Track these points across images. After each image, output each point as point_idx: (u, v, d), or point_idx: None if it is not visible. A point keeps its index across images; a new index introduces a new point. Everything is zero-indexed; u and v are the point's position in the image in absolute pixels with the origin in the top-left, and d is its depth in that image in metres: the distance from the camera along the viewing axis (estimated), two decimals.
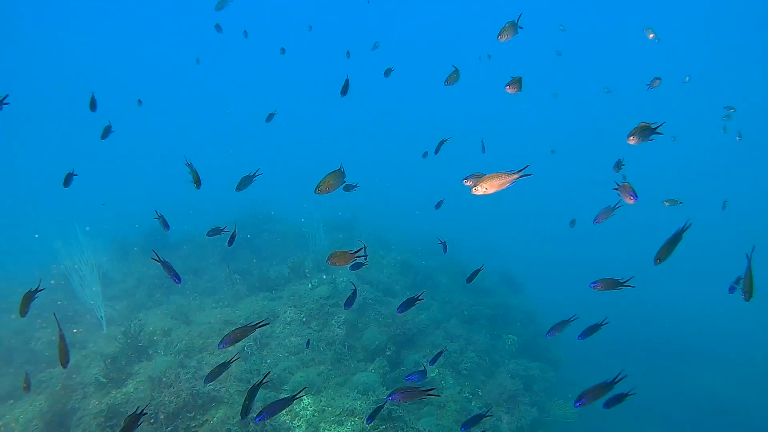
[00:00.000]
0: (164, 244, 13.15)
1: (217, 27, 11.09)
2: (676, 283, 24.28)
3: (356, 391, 7.07)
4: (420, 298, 4.94)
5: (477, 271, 5.41)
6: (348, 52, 12.09)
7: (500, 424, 8.13)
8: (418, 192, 29.42)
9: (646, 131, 4.22)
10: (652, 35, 7.28)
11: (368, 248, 12.36)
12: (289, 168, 42.54)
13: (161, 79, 54.89)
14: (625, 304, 17.47)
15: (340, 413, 6.44)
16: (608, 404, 3.91)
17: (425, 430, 6.13)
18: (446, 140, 7.45)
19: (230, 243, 5.44)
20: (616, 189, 4.52)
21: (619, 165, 7.43)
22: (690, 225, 3.66)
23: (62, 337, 3.63)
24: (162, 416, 6.29)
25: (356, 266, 5.79)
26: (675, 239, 3.68)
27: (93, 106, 5.76)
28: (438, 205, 7.89)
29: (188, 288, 11.39)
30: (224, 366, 4.16)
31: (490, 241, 25.95)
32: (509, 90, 4.76)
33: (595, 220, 5.86)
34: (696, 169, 45.87)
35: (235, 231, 5.47)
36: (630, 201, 4.31)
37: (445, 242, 6.88)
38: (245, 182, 5.91)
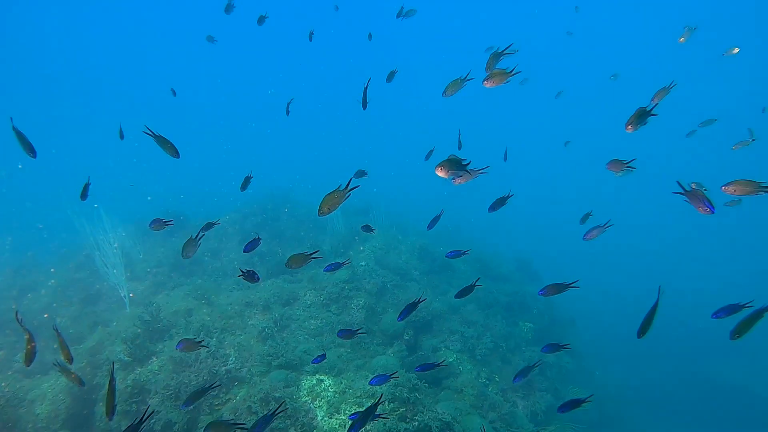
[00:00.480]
0: (183, 226, 13.27)
1: (228, 8, 10.59)
2: (695, 273, 23.99)
3: (376, 373, 7.13)
4: (421, 300, 5.01)
5: (472, 286, 5.25)
6: (370, 34, 11.87)
7: (516, 409, 8.18)
8: (434, 183, 29.34)
9: (642, 116, 4.19)
10: (736, 52, 6.79)
11: (386, 233, 12.28)
12: (311, 153, 42.71)
13: (179, 65, 55.20)
14: (644, 294, 17.34)
15: (360, 395, 6.51)
16: (563, 409, 4.18)
17: (444, 413, 6.17)
18: (459, 135, 7.69)
19: (252, 248, 5.46)
20: (680, 193, 3.80)
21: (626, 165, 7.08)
22: (659, 300, 3.59)
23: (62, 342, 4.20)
24: (184, 395, 6.43)
25: (335, 266, 5.73)
26: (652, 313, 3.62)
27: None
28: (433, 223, 6.55)
29: (208, 269, 11.54)
30: (202, 392, 4.38)
31: (509, 229, 25.86)
32: (486, 84, 4.57)
33: (585, 236, 5.92)
34: (715, 162, 44.96)
35: (255, 239, 5.46)
36: (705, 212, 3.71)
37: (469, 250, 6.97)
38: (246, 183, 6.76)
